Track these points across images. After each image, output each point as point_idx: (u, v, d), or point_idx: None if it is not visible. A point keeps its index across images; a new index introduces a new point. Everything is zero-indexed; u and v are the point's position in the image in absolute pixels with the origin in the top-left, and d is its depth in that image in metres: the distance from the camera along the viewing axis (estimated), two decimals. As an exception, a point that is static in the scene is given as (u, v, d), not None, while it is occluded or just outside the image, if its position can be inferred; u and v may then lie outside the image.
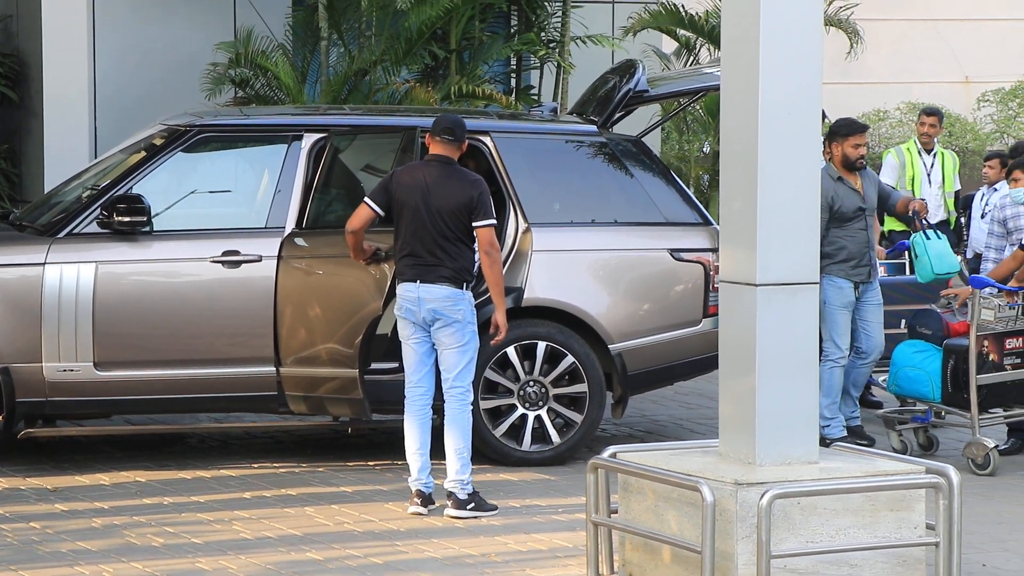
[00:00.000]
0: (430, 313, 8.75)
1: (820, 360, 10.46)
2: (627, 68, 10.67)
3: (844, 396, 10.59)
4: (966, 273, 13.18)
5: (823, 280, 10.27)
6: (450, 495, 8.78)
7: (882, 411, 10.88)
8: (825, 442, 9.40)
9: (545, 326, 9.98)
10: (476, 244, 8.85)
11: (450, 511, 8.75)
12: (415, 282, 8.77)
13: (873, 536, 7.13)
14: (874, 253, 10.66)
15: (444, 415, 8.85)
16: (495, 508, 8.85)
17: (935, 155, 13.65)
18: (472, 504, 8.77)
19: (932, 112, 13.82)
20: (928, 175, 13.52)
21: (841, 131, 10.50)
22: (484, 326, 9.14)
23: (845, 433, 10.47)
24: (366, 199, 8.94)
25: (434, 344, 8.84)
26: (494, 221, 8.87)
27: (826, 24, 14.91)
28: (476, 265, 9.07)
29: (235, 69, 13.48)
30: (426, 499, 8.83)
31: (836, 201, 10.38)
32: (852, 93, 22.62)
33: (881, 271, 11.95)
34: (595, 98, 10.75)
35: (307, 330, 9.59)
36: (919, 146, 13.64)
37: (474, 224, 8.79)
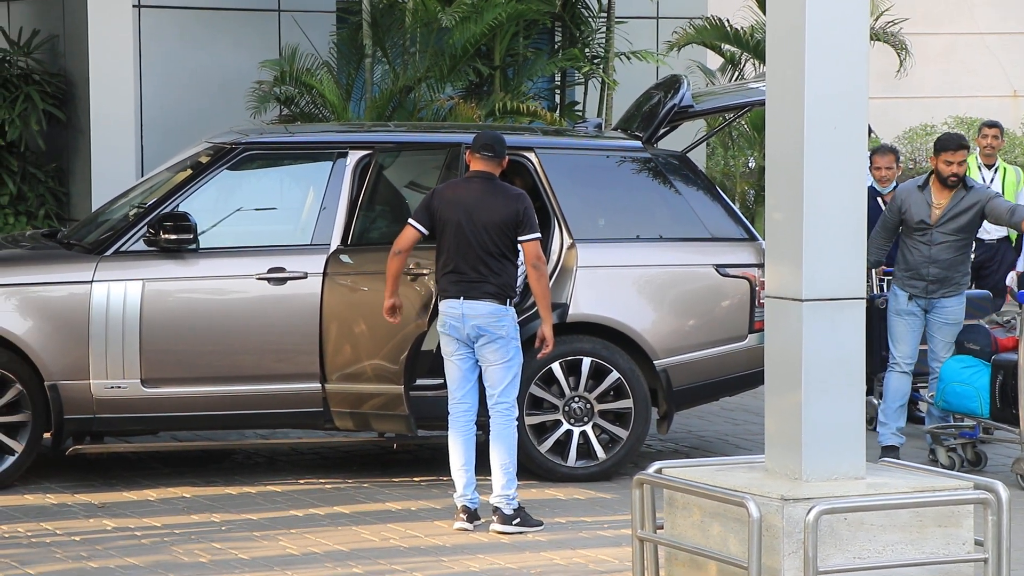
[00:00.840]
0: (474, 330, 8.75)
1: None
2: (672, 83, 10.66)
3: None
4: (1015, 290, 13.09)
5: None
6: (496, 510, 8.78)
7: (930, 427, 10.82)
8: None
9: (590, 342, 9.97)
10: (521, 258, 8.85)
11: (496, 526, 8.75)
12: (459, 299, 8.77)
13: (920, 552, 7.08)
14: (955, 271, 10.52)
15: (489, 431, 8.84)
16: (541, 524, 8.84)
17: (996, 170, 13.39)
18: (518, 520, 8.77)
19: (993, 124, 13.45)
20: None
21: (936, 146, 10.59)
22: (530, 341, 9.14)
23: (894, 442, 10.44)
24: (410, 220, 8.94)
25: (477, 360, 8.84)
26: (539, 235, 8.87)
27: (873, 38, 14.87)
28: (519, 280, 9.07)
29: (280, 87, 13.54)
30: (472, 515, 8.83)
31: (904, 208, 10.44)
32: (899, 107, 22.54)
33: None
34: (640, 113, 10.74)
35: (352, 346, 9.61)
36: (980, 161, 13.38)
37: (520, 238, 8.79)
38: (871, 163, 12.00)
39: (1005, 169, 13.42)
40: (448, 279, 8.84)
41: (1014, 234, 13.34)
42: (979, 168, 13.31)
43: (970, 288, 12.29)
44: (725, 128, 14.16)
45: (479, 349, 8.80)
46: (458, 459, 8.84)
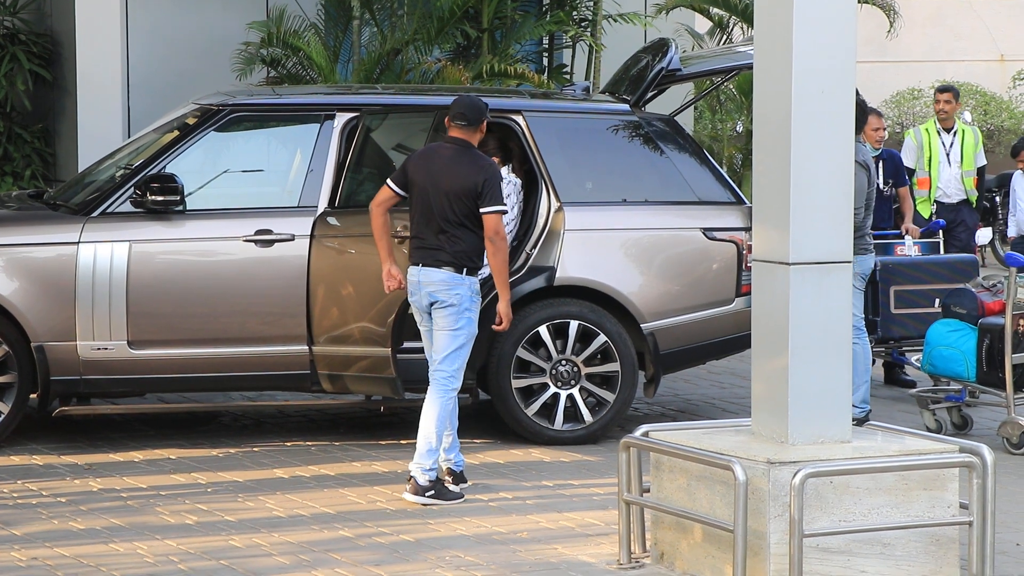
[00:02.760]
0: (428, 297, 8.70)
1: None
2: (660, 47, 10.64)
3: None
4: (1001, 252, 13.13)
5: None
6: (410, 478, 8.66)
7: (916, 390, 10.85)
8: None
9: (577, 305, 9.98)
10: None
11: (407, 495, 8.64)
12: (418, 265, 8.73)
13: (906, 515, 7.11)
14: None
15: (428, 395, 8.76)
16: (460, 496, 8.70)
17: (955, 133, 13.50)
18: (432, 491, 8.62)
19: (946, 89, 13.68)
20: (947, 155, 13.41)
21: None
22: (518, 306, 9.08)
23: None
24: (388, 180, 8.90)
25: None
26: (502, 208, 8.73)
27: (861, 2, 14.85)
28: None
29: (267, 49, 13.49)
30: (457, 477, 8.83)
31: None
32: (886, 71, 22.53)
33: (915, 250, 11.92)
34: (627, 77, 10.72)
35: (340, 309, 9.61)
36: (938, 125, 13.52)
37: (481, 210, 8.69)
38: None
39: (964, 131, 13.54)
40: (412, 244, 8.78)
41: (974, 196, 13.46)
42: (938, 133, 13.43)
43: (949, 252, 12.36)
44: (713, 92, 14.14)
45: (432, 314, 8.75)
46: (437, 424, 8.76)
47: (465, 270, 8.70)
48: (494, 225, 8.69)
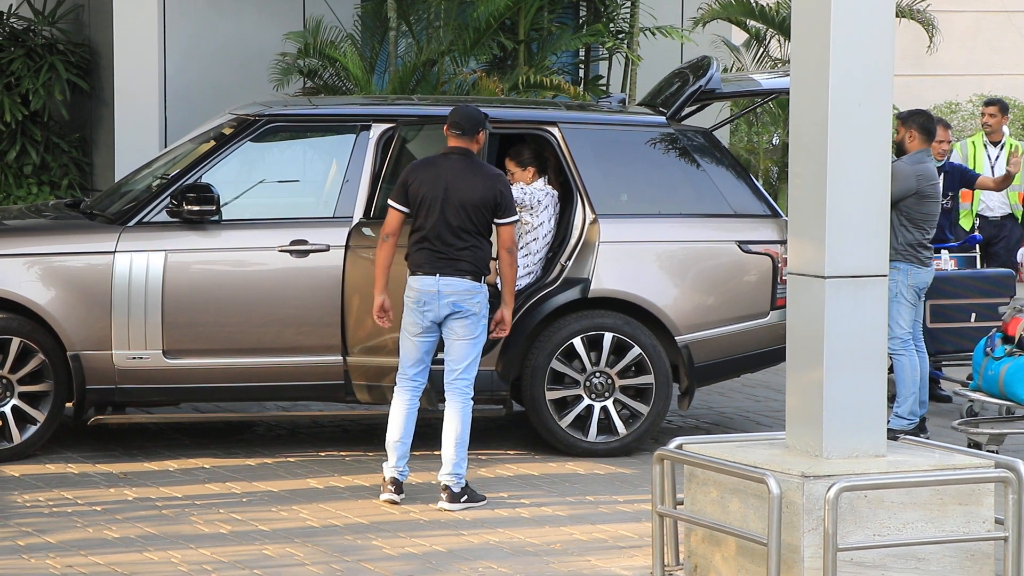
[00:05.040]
0: (448, 306, 8.72)
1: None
2: (701, 65, 10.65)
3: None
4: None
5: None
6: (445, 488, 8.76)
7: (988, 430, 10.44)
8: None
9: (612, 317, 9.97)
10: (497, 239, 8.80)
11: (443, 504, 8.73)
12: (434, 275, 8.73)
13: (940, 530, 7.08)
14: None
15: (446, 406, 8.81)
16: (484, 499, 8.83)
17: (1002, 147, 13.41)
18: (465, 497, 8.76)
19: (992, 102, 13.59)
20: (992, 168, 13.33)
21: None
22: (552, 318, 9.06)
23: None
24: (390, 202, 8.92)
25: (434, 343, 8.79)
26: (517, 218, 8.86)
27: (899, 15, 14.81)
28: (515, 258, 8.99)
29: (304, 59, 13.53)
30: (399, 487, 8.84)
31: None
32: (924, 85, 22.46)
33: (951, 264, 11.86)
34: (667, 90, 10.73)
35: (374, 320, 9.61)
36: (985, 139, 13.44)
37: (497, 221, 8.76)
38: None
39: (1012, 145, 13.44)
40: (423, 255, 8.78)
41: (1019, 211, 13.36)
42: (984, 146, 13.36)
43: (983, 267, 12.27)
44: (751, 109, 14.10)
45: (448, 323, 8.75)
46: (397, 432, 8.81)
47: (481, 278, 8.76)
48: (511, 236, 8.77)
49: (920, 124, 10.52)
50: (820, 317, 7.14)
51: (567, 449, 9.95)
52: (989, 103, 13.59)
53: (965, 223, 13.18)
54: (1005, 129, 13.53)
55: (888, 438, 7.66)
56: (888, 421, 10.50)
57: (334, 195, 9.91)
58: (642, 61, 14.24)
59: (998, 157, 13.30)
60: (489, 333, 8.96)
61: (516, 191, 9.72)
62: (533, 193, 9.99)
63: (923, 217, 10.45)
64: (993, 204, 13.28)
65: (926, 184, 10.45)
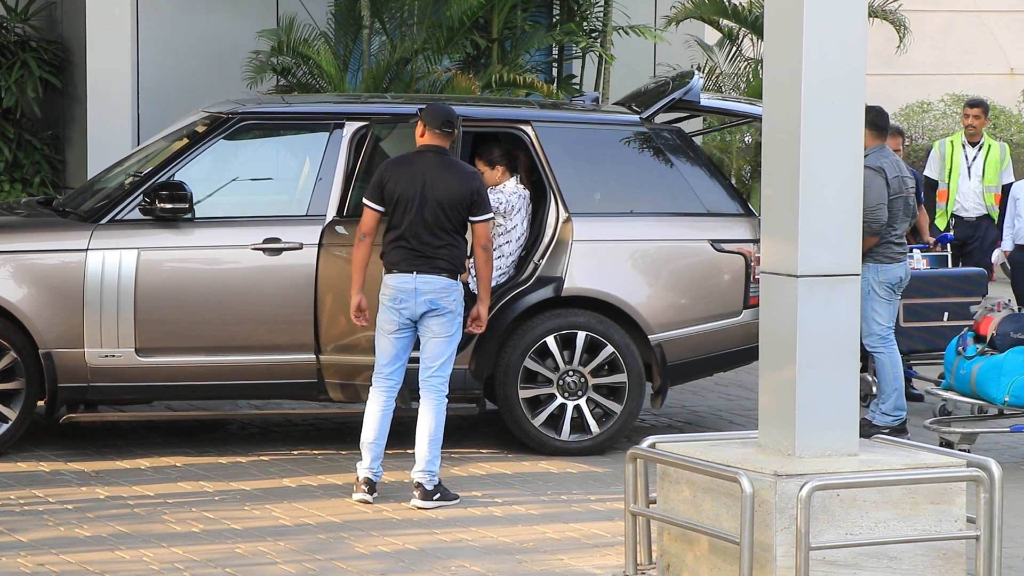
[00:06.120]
0: (425, 304, 8.73)
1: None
2: (684, 76, 10.71)
3: None
4: (1007, 266, 13.08)
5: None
6: (418, 485, 8.75)
7: (987, 428, 10.42)
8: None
9: (585, 316, 9.97)
10: (472, 237, 8.82)
11: (417, 502, 8.73)
12: (411, 273, 8.74)
13: (913, 529, 7.10)
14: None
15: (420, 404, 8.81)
16: (457, 497, 8.84)
17: (980, 147, 13.43)
18: (438, 495, 8.77)
19: (976, 104, 13.60)
20: (968, 168, 13.35)
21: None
22: (525, 316, 9.02)
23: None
24: (365, 201, 8.91)
25: (410, 340, 8.79)
26: (492, 216, 8.89)
27: (871, 15, 14.83)
28: (510, 258, 9.02)
29: (277, 57, 13.50)
30: (372, 487, 8.84)
31: None
32: (896, 85, 22.51)
33: (923, 263, 11.90)
34: (645, 92, 10.76)
35: (347, 318, 9.59)
36: (964, 139, 13.46)
37: (472, 219, 8.78)
38: None
39: (990, 146, 13.46)
40: (399, 253, 8.78)
41: (995, 212, 13.39)
42: (963, 146, 13.37)
43: (957, 266, 12.31)
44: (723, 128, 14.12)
45: (424, 320, 8.76)
46: (372, 433, 8.81)
47: (457, 276, 8.75)
48: (486, 233, 8.79)
49: (870, 120, 10.50)
50: (793, 316, 7.16)
51: (540, 448, 9.96)
52: (973, 104, 13.55)
53: (940, 223, 13.22)
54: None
55: (870, 435, 7.69)
56: (873, 419, 10.55)
57: (307, 193, 9.90)
58: (615, 60, 14.25)
59: (975, 158, 13.32)
60: (464, 329, 8.97)
61: (491, 198, 9.72)
62: (508, 200, 9.99)
63: (892, 214, 10.50)
64: (968, 205, 13.30)
65: (892, 179, 10.53)
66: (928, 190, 13.25)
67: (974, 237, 13.28)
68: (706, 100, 10.63)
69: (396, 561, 7.86)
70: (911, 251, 11.82)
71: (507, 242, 10.02)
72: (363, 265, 8.85)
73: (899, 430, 10.57)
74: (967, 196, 13.28)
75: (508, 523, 8.52)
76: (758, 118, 10.36)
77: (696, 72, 10.84)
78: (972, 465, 7.20)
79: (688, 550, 7.36)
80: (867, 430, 9.29)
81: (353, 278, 8.90)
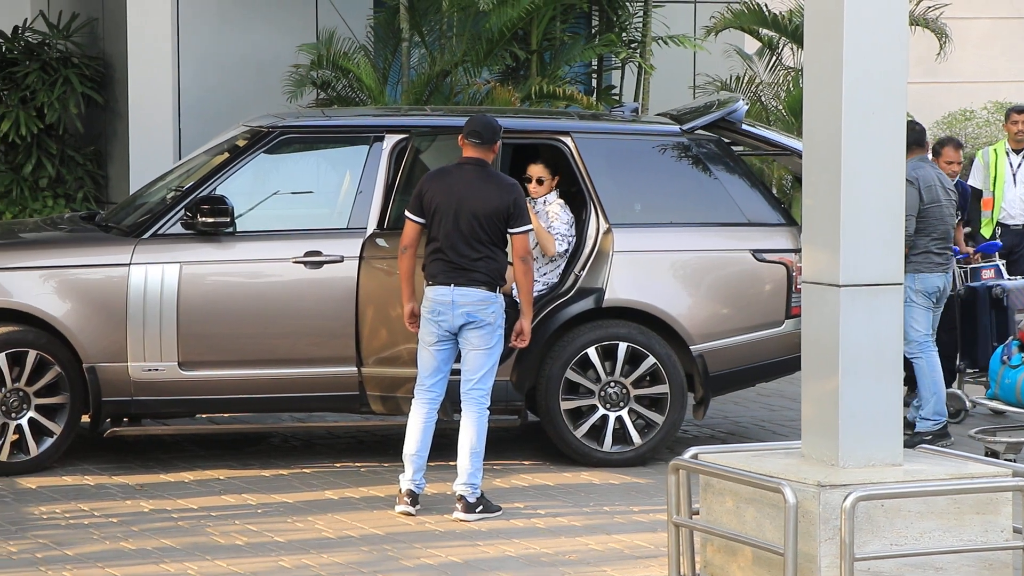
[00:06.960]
0: (463, 316, 8.73)
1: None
2: (731, 99, 10.75)
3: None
4: None
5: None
6: (460, 498, 8.77)
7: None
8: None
9: (626, 327, 9.96)
10: (510, 249, 8.82)
11: (459, 515, 8.74)
12: (449, 286, 8.75)
13: (958, 539, 7.06)
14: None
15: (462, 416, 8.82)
16: (500, 509, 8.84)
17: None
18: (480, 507, 8.77)
19: (1021, 110, 13.49)
20: (1014, 175, 13.25)
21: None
22: (566, 328, 9.02)
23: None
24: (407, 213, 8.93)
25: (450, 352, 8.80)
26: (531, 227, 8.87)
27: (913, 24, 14.78)
28: (548, 270, 9.01)
29: (317, 71, 13.54)
30: (415, 499, 8.84)
31: None
32: (938, 93, 22.41)
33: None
34: (692, 107, 10.79)
35: (388, 330, 9.62)
36: (1008, 146, 13.35)
37: (511, 231, 8.77)
38: (940, 155, 11.77)
39: None
40: (438, 266, 8.79)
41: None
42: (1007, 153, 13.26)
43: (1012, 278, 12.21)
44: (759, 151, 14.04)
45: (464, 333, 8.77)
46: (414, 445, 8.83)
47: (496, 288, 8.75)
48: (524, 245, 8.78)
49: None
50: (835, 326, 7.13)
51: (582, 459, 9.95)
52: (1020, 110, 13.36)
53: (986, 231, 13.13)
54: None
55: (913, 441, 7.65)
56: (915, 423, 10.54)
57: (348, 206, 9.92)
58: (655, 70, 14.24)
59: (1020, 164, 13.20)
60: (508, 344, 8.97)
61: (560, 226, 9.78)
62: (560, 225, 9.96)
63: (928, 223, 10.52)
64: (1015, 212, 13.18)
65: (924, 189, 10.52)
66: (972, 199, 13.16)
67: (1021, 245, 13.19)
68: (747, 125, 10.62)
69: (440, 573, 7.86)
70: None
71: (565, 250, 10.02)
72: (409, 275, 8.89)
73: (941, 435, 10.54)
74: (1013, 203, 13.19)
75: (551, 535, 8.51)
76: (797, 153, 10.32)
77: (741, 99, 10.85)
78: (1018, 475, 7.15)
79: (732, 561, 7.33)
80: (910, 436, 9.26)
81: (402, 288, 8.94)
